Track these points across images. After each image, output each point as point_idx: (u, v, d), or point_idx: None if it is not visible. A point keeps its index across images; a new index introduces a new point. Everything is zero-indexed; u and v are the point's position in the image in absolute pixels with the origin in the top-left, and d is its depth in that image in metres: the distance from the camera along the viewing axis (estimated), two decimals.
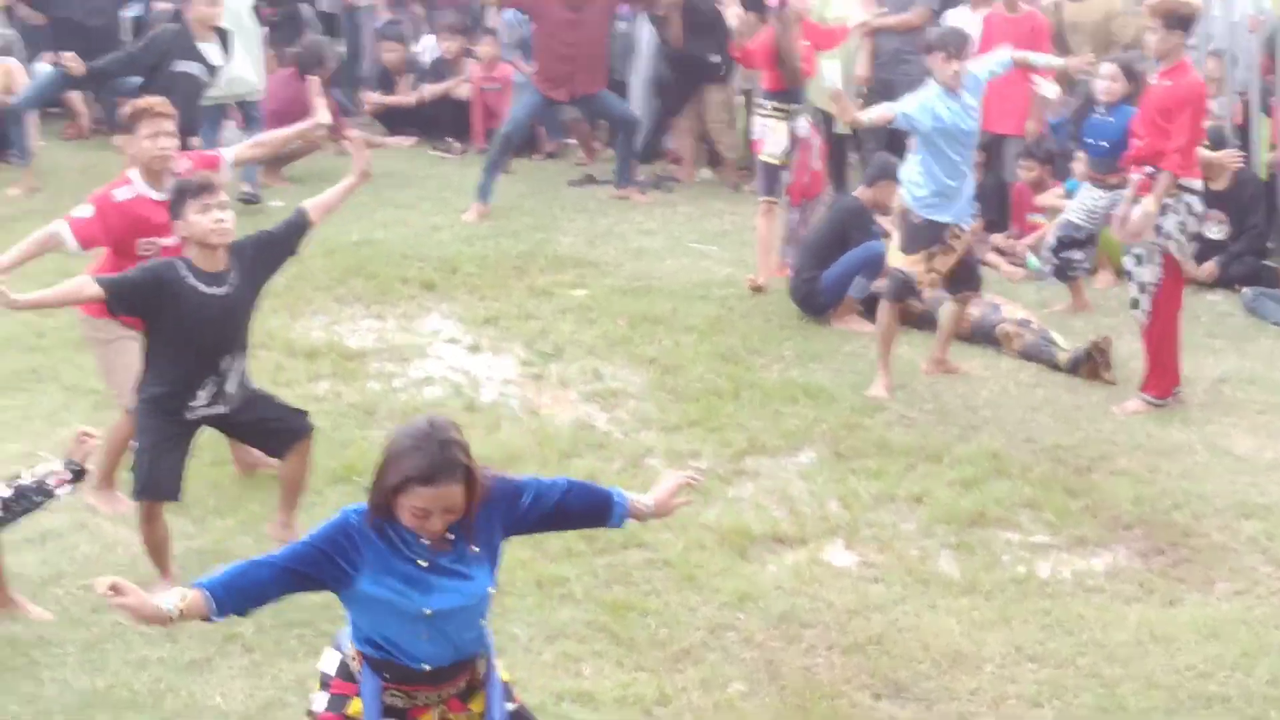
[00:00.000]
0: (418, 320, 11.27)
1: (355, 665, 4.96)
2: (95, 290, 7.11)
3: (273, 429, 7.69)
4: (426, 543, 4.78)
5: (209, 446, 8.80)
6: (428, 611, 4.80)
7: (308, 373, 10.12)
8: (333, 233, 13.10)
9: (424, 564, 4.79)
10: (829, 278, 11.40)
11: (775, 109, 12.11)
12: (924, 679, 6.96)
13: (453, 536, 4.82)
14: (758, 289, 11.94)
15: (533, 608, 7.41)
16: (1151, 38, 9.79)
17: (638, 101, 15.93)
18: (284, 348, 10.49)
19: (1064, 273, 11.82)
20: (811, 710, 6.67)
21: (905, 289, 10.22)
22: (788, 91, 12.06)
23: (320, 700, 5.02)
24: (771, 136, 12.11)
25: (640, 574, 7.79)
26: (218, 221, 7.09)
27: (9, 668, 6.71)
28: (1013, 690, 6.89)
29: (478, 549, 4.88)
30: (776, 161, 12.14)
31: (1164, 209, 9.65)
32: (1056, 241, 11.72)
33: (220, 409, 7.41)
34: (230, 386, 7.38)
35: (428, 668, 4.89)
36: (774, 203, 12.18)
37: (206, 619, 4.82)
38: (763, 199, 12.25)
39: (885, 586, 7.78)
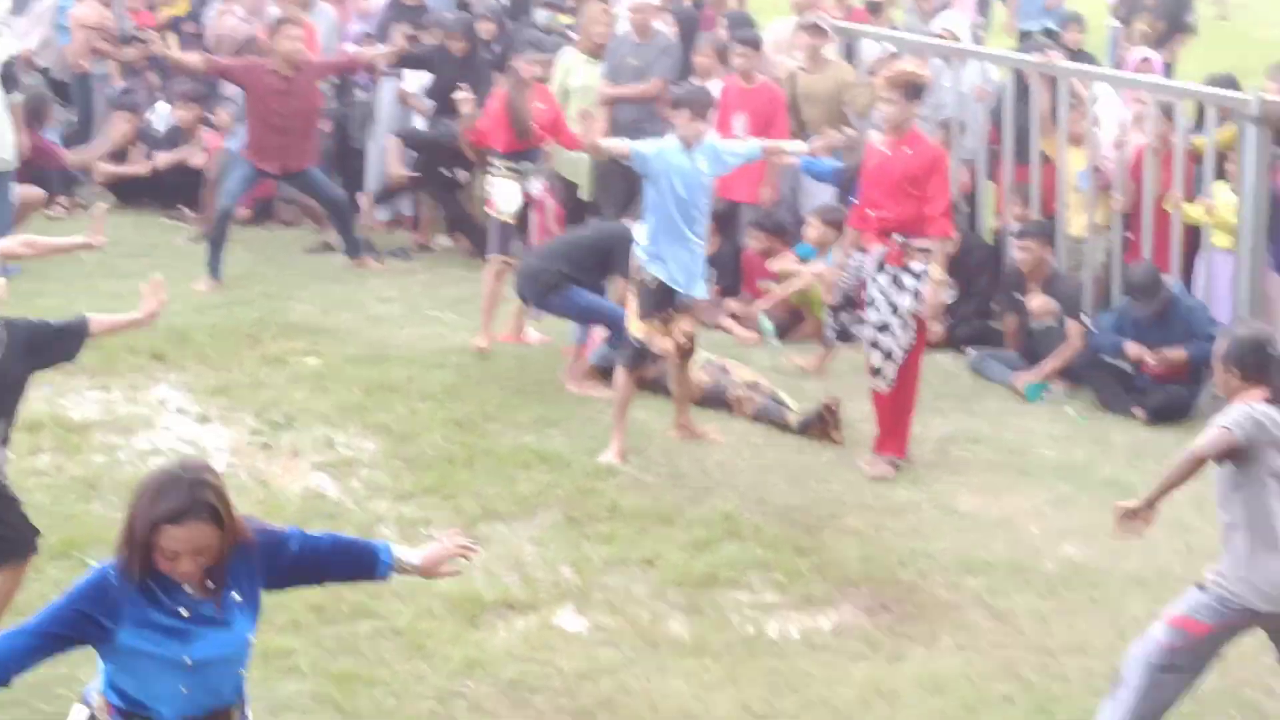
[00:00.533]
0: (145, 390, 11.05)
1: (104, 717, 4.84)
2: None
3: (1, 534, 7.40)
4: (189, 590, 4.71)
5: None
6: (188, 661, 4.72)
7: (28, 445, 9.83)
8: (58, 303, 12.80)
9: (185, 613, 4.71)
10: (577, 296, 11.28)
11: (508, 169, 12.26)
12: None
13: (213, 585, 4.75)
14: (482, 350, 11.96)
15: (258, 681, 7.15)
16: (888, 108, 9.99)
17: (374, 169, 15.85)
18: None
19: (844, 336, 11.82)
20: None
21: (641, 356, 10.25)
22: (520, 152, 12.23)
23: None
24: (503, 194, 12.26)
25: (368, 644, 7.70)
26: None
27: None
28: None
29: (239, 597, 4.80)
30: (508, 219, 12.26)
31: (917, 275, 9.85)
32: (830, 309, 11.79)
33: None
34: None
35: (178, 715, 4.79)
36: (507, 263, 12.21)
37: None
38: (493, 256, 12.33)
39: (615, 650, 7.78)
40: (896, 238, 9.93)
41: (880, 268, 10.00)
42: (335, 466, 9.88)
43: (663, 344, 10.12)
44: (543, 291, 11.37)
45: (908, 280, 9.93)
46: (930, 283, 9.87)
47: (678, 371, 10.50)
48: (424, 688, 7.33)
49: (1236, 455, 6.46)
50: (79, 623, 4.70)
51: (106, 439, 10.16)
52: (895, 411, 10.16)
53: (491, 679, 7.43)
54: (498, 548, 8.87)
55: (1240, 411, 6.52)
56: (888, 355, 10.03)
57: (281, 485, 9.55)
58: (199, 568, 4.68)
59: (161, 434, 10.32)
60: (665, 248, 9.99)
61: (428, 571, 5.35)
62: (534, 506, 9.40)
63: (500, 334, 12.34)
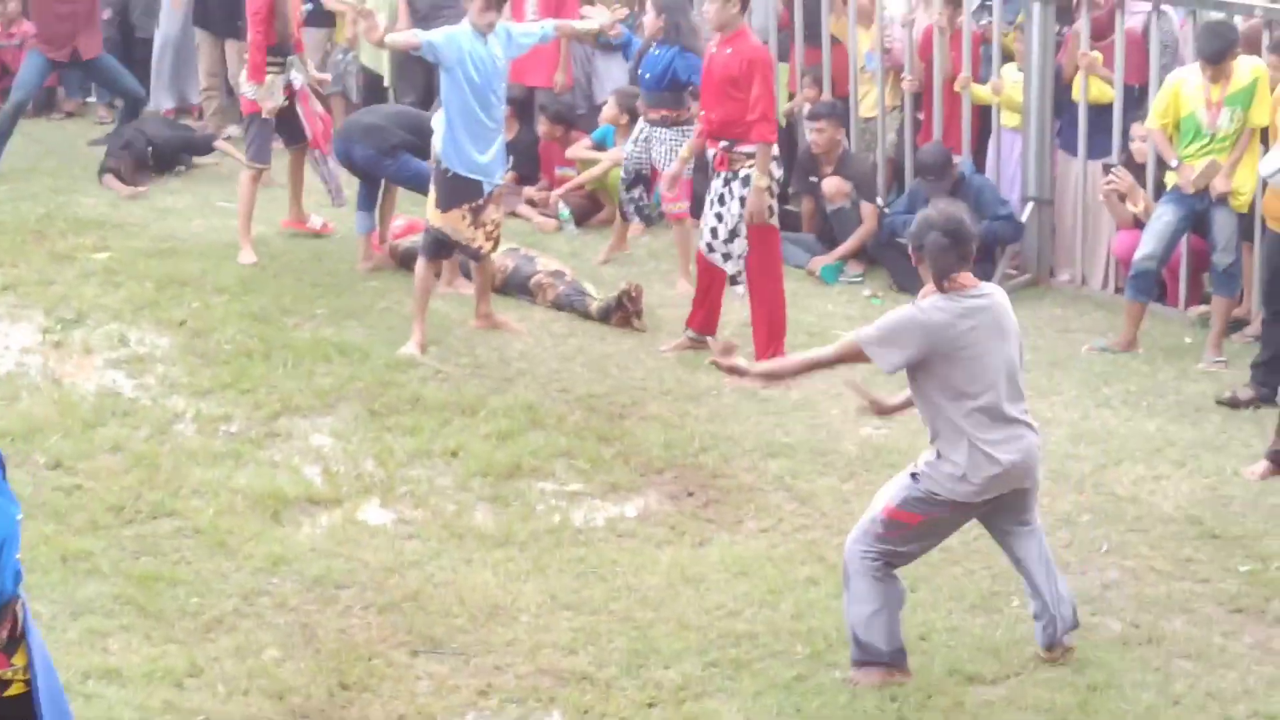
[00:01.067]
0: None
1: None
2: None
3: None
4: None
5: None
6: None
7: None
8: None
9: None
10: (413, 164, 11.28)
11: (270, 63, 11.64)
12: (460, 633, 6.97)
13: None
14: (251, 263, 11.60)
15: (57, 583, 7.14)
16: (710, 7, 9.89)
17: (161, 59, 15.50)
18: None
19: (640, 212, 11.83)
20: (348, 671, 6.60)
21: (441, 246, 10.14)
22: (279, 46, 11.62)
23: None
24: (266, 92, 11.63)
25: (170, 543, 7.60)
26: None
27: None
28: (548, 639, 6.94)
29: None
30: (270, 114, 11.65)
31: (745, 181, 9.81)
32: (623, 184, 11.79)
33: None
34: None
35: None
36: (264, 169, 11.96)
37: None
38: (254, 166, 11.84)
39: (421, 542, 7.76)
40: (723, 143, 9.90)
41: (715, 171, 9.96)
42: (129, 363, 9.70)
43: (470, 235, 10.00)
44: (382, 152, 11.25)
45: (735, 187, 9.87)
46: (753, 189, 9.82)
47: (482, 262, 10.41)
48: (228, 586, 7.25)
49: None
50: None
51: None
52: (766, 314, 10.09)
53: (296, 575, 7.37)
54: (298, 443, 8.79)
55: (895, 318, 6.59)
56: (725, 257, 10.02)
57: (75, 383, 9.36)
58: None
59: None
60: (463, 136, 9.87)
61: None
62: (334, 400, 9.31)
63: (283, 220, 12.25)
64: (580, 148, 13.00)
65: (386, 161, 11.28)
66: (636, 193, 11.65)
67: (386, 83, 14.27)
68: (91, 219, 12.42)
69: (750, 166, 9.81)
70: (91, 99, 16.11)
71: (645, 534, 7.93)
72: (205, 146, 14.26)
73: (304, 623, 6.99)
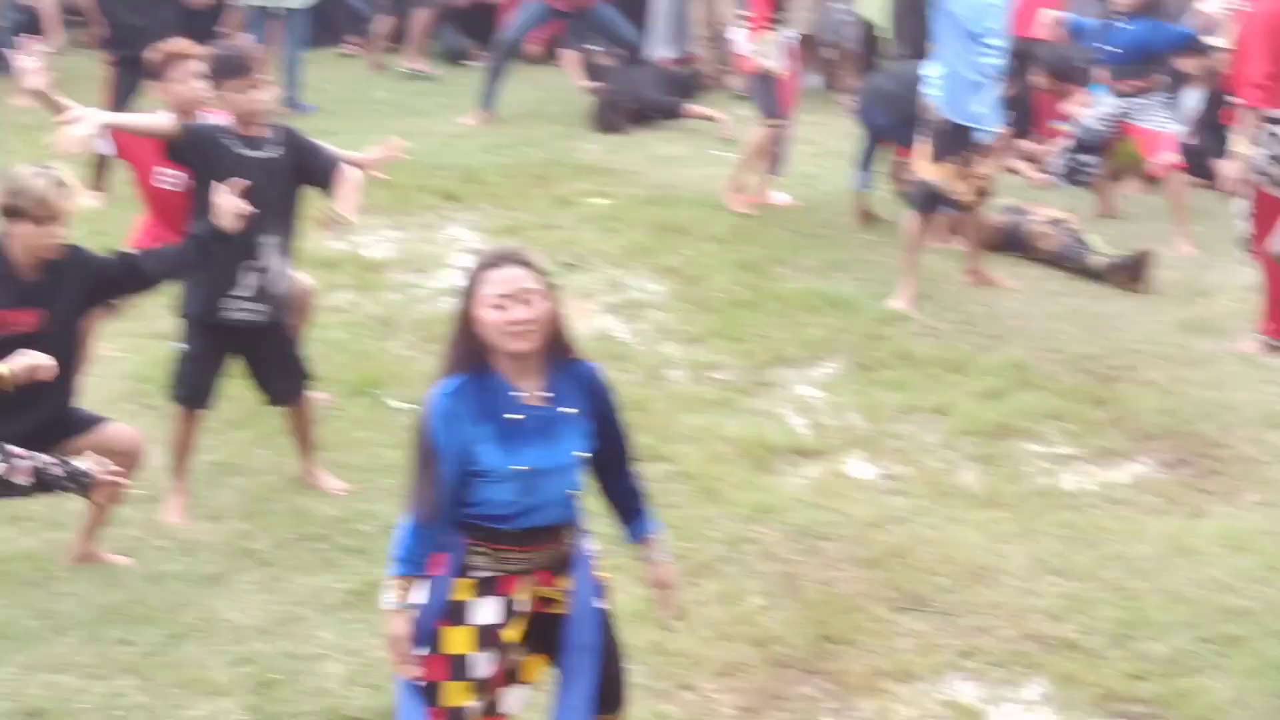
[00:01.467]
0: (438, 230, 11.19)
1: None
2: (169, 126, 7.07)
3: (277, 374, 7.49)
4: (521, 395, 4.76)
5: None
6: (516, 468, 4.75)
7: (327, 283, 9.98)
8: (352, 142, 12.96)
9: (516, 417, 4.75)
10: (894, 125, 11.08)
11: (773, 19, 11.44)
12: (944, 592, 6.90)
13: (551, 395, 4.80)
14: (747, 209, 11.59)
15: None
16: None
17: (658, 8, 15.76)
18: (303, 259, 10.36)
19: (1074, 176, 11.63)
20: (830, 623, 6.60)
21: (933, 200, 10.03)
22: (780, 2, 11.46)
23: (422, 591, 4.87)
24: (771, 50, 11.39)
25: (659, 487, 7.65)
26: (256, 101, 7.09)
27: (25, 582, 6.67)
28: (1034, 604, 6.81)
29: (569, 410, 4.82)
30: (775, 73, 11.41)
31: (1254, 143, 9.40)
32: (1070, 145, 11.57)
33: (259, 312, 7.23)
34: (272, 282, 7.22)
35: (511, 529, 4.83)
36: (782, 124, 11.67)
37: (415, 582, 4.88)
38: (768, 122, 11.60)
39: (906, 499, 7.71)
40: (1234, 99, 9.55)
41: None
42: (624, 308, 9.91)
43: (959, 188, 9.89)
44: (904, 122, 10.76)
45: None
46: (1232, 162, 9.41)
47: (971, 216, 10.29)
48: (714, 531, 7.34)
49: None
50: (452, 449, 4.74)
51: (402, 278, 10.32)
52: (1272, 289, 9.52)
53: (781, 525, 7.42)
54: (786, 393, 8.84)
55: None
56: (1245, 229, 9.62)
57: (573, 326, 9.57)
58: (530, 322, 4.68)
59: (454, 273, 10.42)
60: (961, 84, 9.72)
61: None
62: (822, 352, 9.34)
63: (745, 196, 11.88)
64: (1076, 101, 12.70)
65: (905, 130, 11.05)
66: (1086, 158, 11.42)
67: (880, 32, 14.22)
68: (592, 165, 12.74)
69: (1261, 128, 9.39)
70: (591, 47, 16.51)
71: (1138, 501, 7.72)
72: (673, 111, 14.41)
73: (788, 572, 7.02)
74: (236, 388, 8.46)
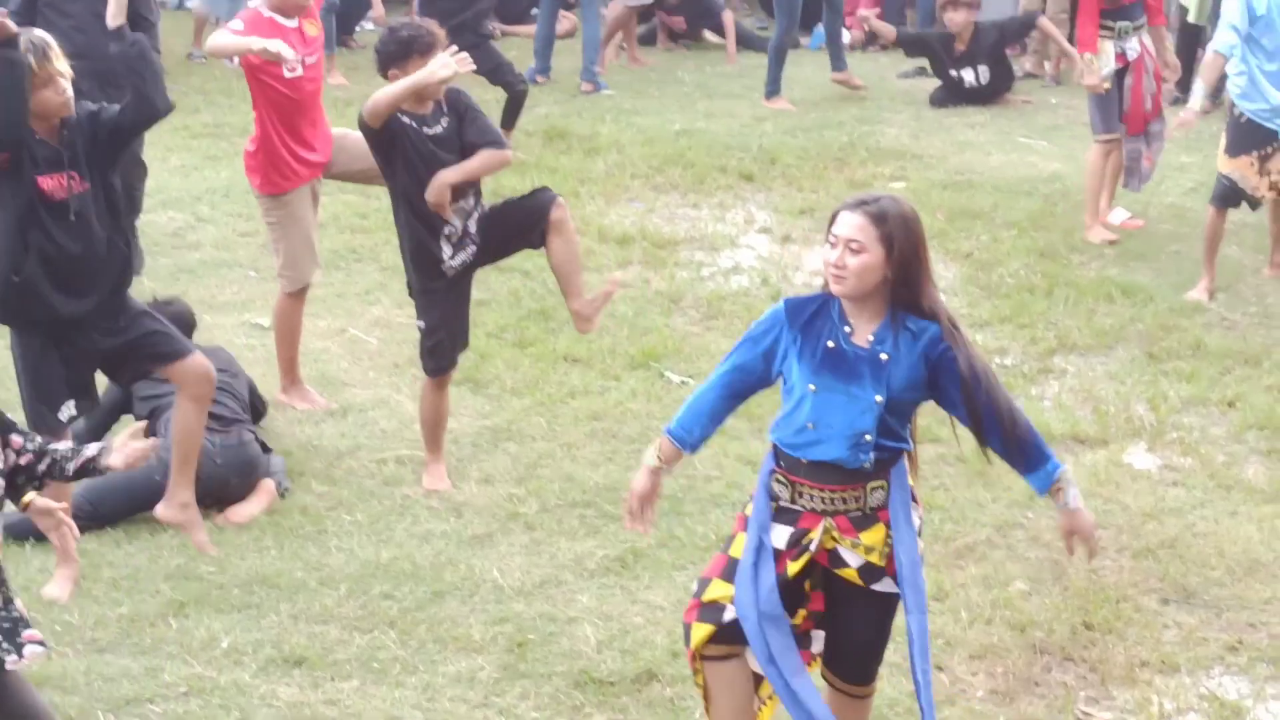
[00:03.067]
0: (732, 210, 11.22)
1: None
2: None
3: (523, 223, 7.36)
4: (848, 330, 4.87)
5: (510, 327, 8.96)
6: (811, 386, 4.86)
7: (617, 259, 10.15)
8: (654, 122, 13.19)
9: (831, 344, 4.87)
10: None
11: (1102, 27, 10.44)
12: (1215, 586, 6.71)
13: (873, 339, 4.87)
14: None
15: None
16: None
17: None
18: (596, 234, 10.54)
19: None
20: (1093, 612, 6.47)
21: (1232, 194, 9.67)
22: (1118, 8, 10.40)
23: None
24: (1094, 64, 10.39)
25: (931, 468, 7.65)
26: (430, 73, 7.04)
27: (299, 535, 6.90)
28: None
29: (886, 358, 4.86)
30: (1104, 87, 10.43)
31: None
32: None
33: (471, 251, 7.30)
34: (472, 226, 7.26)
35: (805, 459, 4.91)
36: (1113, 140, 10.60)
37: (680, 456, 5.15)
38: (1100, 138, 10.60)
39: (1185, 490, 7.52)
40: None
41: None
42: None
43: (1255, 182, 9.55)
44: None
45: None
46: None
47: (1275, 209, 9.96)
48: (983, 515, 7.25)
49: None
50: (752, 350, 4.98)
51: (692, 255, 10.38)
52: None
53: (1052, 513, 7.26)
54: (1072, 381, 8.68)
55: None
56: None
57: None
58: (848, 267, 4.80)
59: (744, 252, 10.47)
60: (1259, 76, 9.40)
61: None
62: (1112, 340, 9.14)
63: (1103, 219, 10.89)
64: None
65: None
66: None
67: (1192, 18, 13.82)
68: (892, 149, 12.66)
69: None
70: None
71: None
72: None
73: (1055, 559, 6.89)
74: (515, 357, 8.65)
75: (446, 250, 7.16)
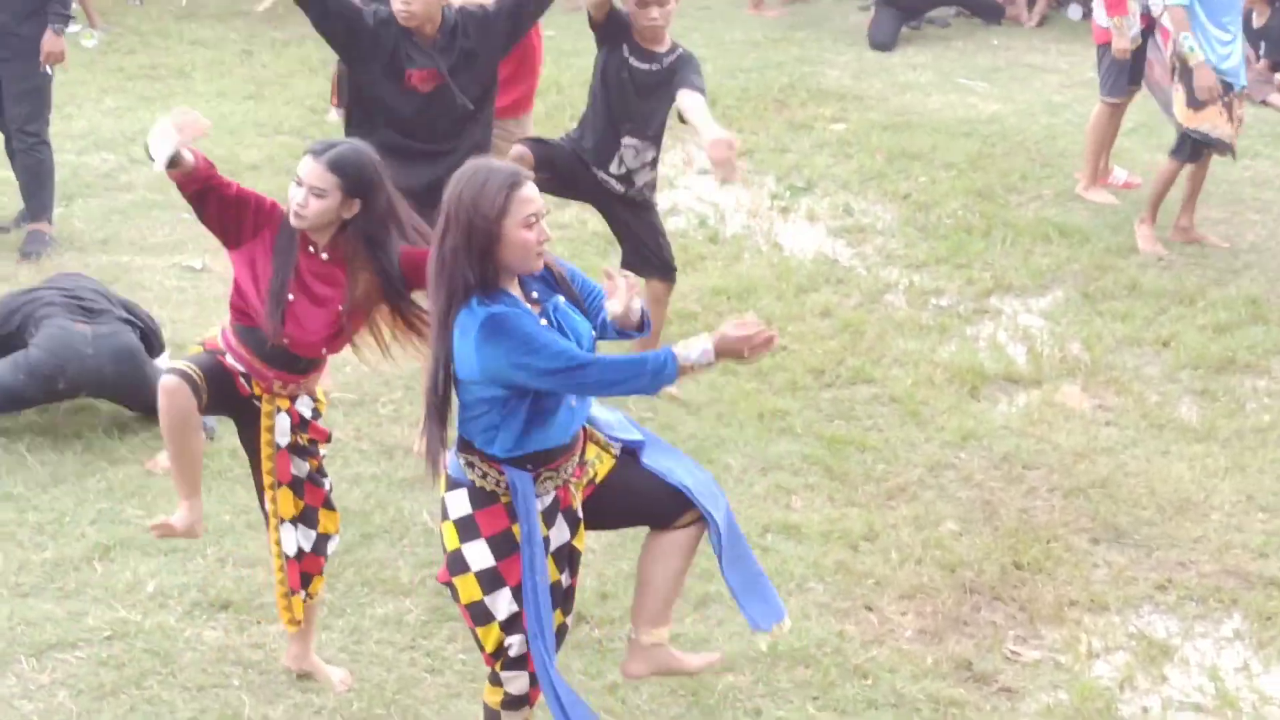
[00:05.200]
0: (669, 151, 11.10)
1: (489, 481, 4.68)
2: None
3: (643, 255, 7.61)
4: (528, 306, 4.58)
5: None
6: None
7: (554, 201, 10.06)
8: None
9: (545, 321, 4.60)
10: None
11: None
12: (1146, 525, 6.73)
13: (535, 295, 4.65)
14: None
15: (750, 439, 7.31)
16: None
17: None
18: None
19: None
20: (1023, 552, 6.48)
21: (1203, 147, 9.40)
22: None
23: (480, 552, 4.69)
24: (1123, 25, 9.86)
25: (864, 409, 7.65)
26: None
27: (228, 478, 6.80)
28: (1238, 539, 6.62)
29: (561, 299, 4.71)
30: (1127, 50, 9.90)
31: None
32: None
33: (620, 187, 7.56)
34: (632, 164, 7.51)
35: (569, 438, 4.72)
36: (1118, 104, 10.29)
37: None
38: (1108, 99, 10.24)
39: (1118, 430, 7.53)
40: None
41: None
42: (850, 233, 9.81)
43: (1229, 129, 9.33)
44: None
45: None
46: None
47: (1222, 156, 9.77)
48: (915, 455, 7.25)
49: None
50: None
51: None
52: None
53: (985, 451, 7.30)
54: (1007, 321, 8.68)
55: None
56: None
57: (795, 249, 9.53)
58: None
59: (682, 193, 10.43)
60: (1208, 32, 9.24)
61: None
62: (1048, 280, 9.14)
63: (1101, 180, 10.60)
64: None
65: None
66: None
67: None
68: (833, 90, 12.62)
69: None
70: None
71: None
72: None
73: (986, 499, 6.91)
74: None
75: (611, 168, 7.51)
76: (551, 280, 4.74)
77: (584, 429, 4.86)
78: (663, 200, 10.17)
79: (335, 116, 11.47)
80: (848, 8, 15.54)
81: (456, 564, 4.73)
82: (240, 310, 5.13)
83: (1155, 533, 6.68)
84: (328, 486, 5.48)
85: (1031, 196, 10.40)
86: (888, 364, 8.08)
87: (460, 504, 4.72)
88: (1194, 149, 9.40)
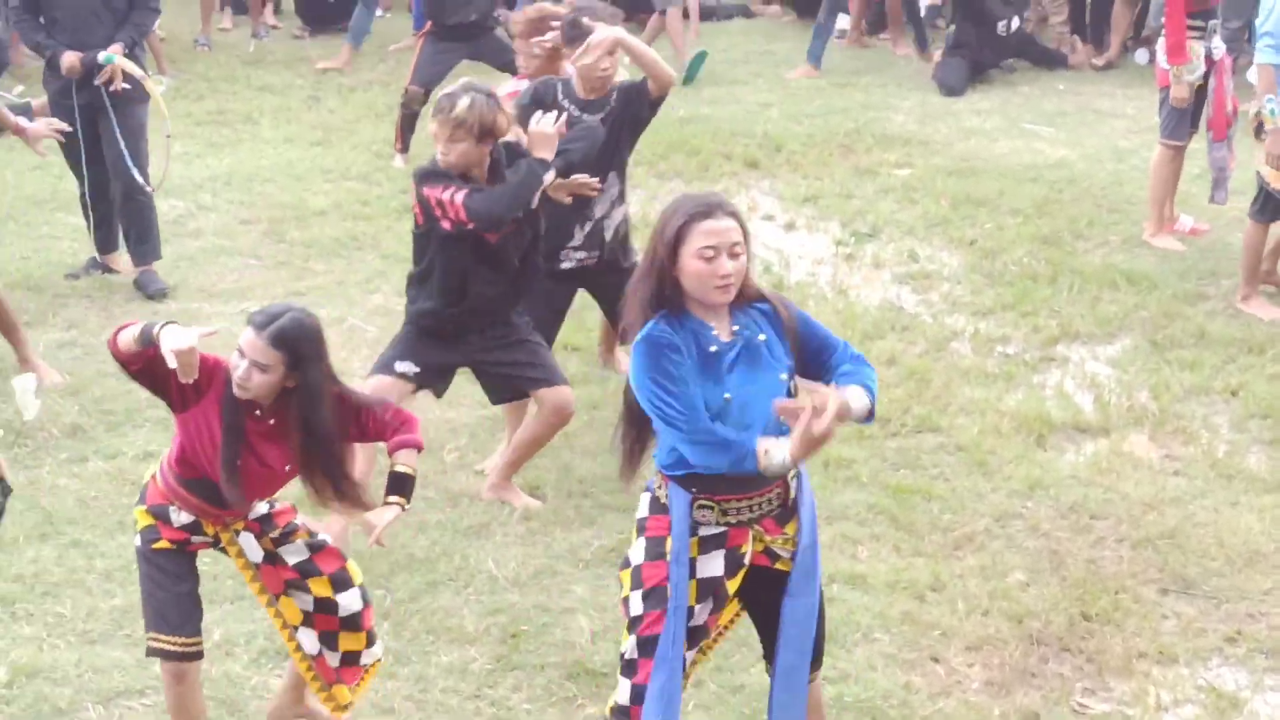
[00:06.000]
0: (736, 197, 11.16)
1: (662, 492, 4.87)
2: None
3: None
4: (714, 331, 4.70)
5: None
6: (726, 396, 4.69)
7: None
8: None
9: (714, 349, 4.70)
10: None
11: (1190, 28, 9.85)
12: (1215, 576, 6.67)
13: (737, 328, 4.74)
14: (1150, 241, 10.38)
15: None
16: None
17: None
18: None
19: None
20: (1091, 603, 6.43)
21: (1275, 207, 9.17)
22: (1207, 8, 9.89)
23: (638, 550, 4.89)
24: (1183, 71, 9.86)
25: (930, 458, 7.62)
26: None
27: None
28: None
29: (764, 336, 4.77)
30: (1184, 101, 9.89)
31: None
32: None
33: (591, 255, 7.49)
34: (607, 234, 7.47)
35: (731, 473, 4.73)
36: (1179, 147, 10.20)
37: None
38: (1170, 142, 10.15)
39: (1186, 480, 7.47)
40: None
41: None
42: (915, 279, 9.79)
43: None
44: None
45: None
46: None
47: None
48: (982, 505, 7.21)
49: None
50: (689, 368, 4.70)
51: None
52: None
53: (1052, 501, 7.25)
54: (1074, 369, 8.63)
55: None
56: None
57: (860, 295, 9.52)
58: (734, 273, 4.61)
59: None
60: None
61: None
62: (1116, 328, 9.09)
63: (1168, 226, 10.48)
64: None
65: None
66: None
67: None
68: (898, 135, 12.62)
69: None
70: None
71: None
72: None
73: (1054, 549, 6.86)
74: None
75: (576, 240, 7.44)
76: (774, 317, 4.80)
77: (786, 494, 4.91)
78: None
79: (400, 163, 11.58)
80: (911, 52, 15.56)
81: (623, 559, 4.96)
82: (188, 465, 5.07)
83: (1224, 584, 6.62)
84: (343, 604, 5.34)
85: (1098, 243, 10.35)
86: (954, 412, 8.04)
87: (642, 507, 4.96)
88: (1276, 208, 9.20)
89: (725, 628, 5.22)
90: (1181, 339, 8.92)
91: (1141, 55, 14.99)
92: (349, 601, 5.33)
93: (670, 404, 4.64)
